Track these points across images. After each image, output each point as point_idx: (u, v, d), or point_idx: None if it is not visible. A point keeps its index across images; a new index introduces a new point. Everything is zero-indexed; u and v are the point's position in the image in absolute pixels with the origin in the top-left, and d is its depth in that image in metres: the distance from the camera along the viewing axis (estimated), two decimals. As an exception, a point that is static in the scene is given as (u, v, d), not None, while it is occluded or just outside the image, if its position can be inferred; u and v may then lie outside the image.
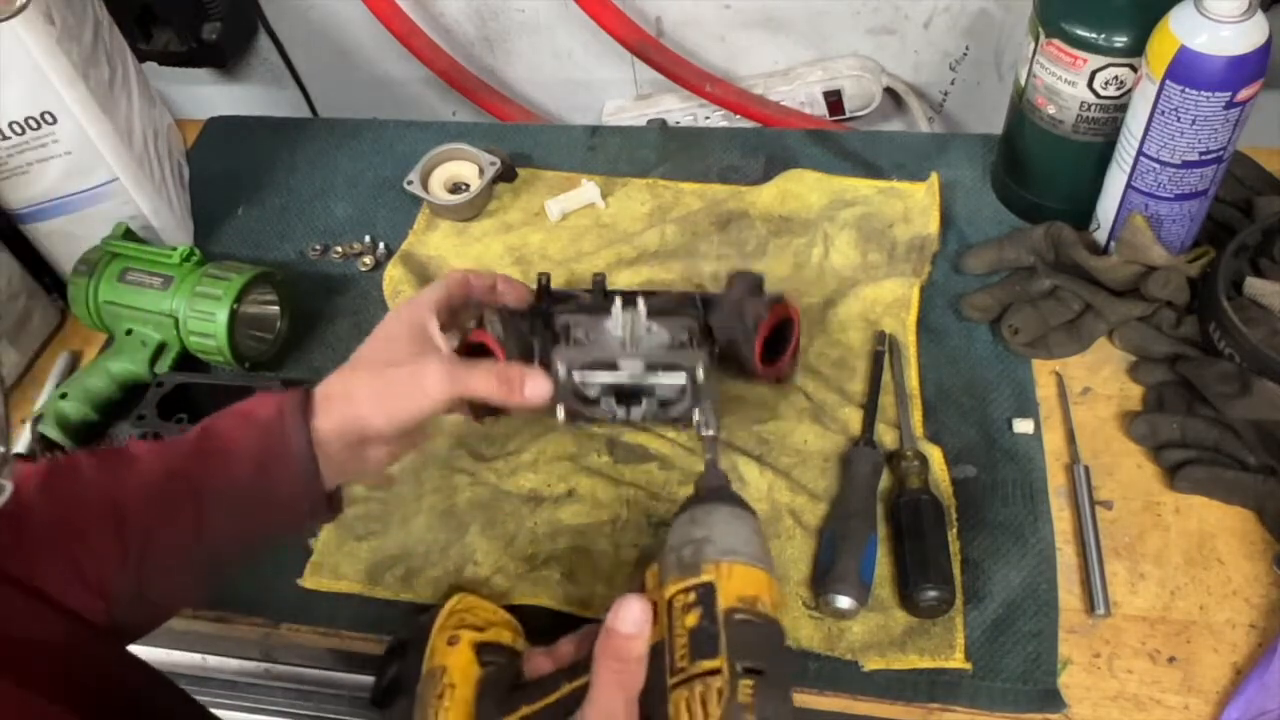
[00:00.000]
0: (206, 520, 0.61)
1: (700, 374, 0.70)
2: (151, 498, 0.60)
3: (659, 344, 0.74)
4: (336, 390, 0.65)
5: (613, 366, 0.72)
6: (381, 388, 0.64)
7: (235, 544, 0.64)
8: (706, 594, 0.51)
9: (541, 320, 0.76)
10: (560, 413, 0.71)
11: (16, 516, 0.57)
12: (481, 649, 0.62)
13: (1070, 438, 0.78)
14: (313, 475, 0.63)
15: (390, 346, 0.67)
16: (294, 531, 0.69)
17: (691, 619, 0.50)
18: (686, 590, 0.51)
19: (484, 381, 0.65)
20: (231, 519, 0.62)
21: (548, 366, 0.71)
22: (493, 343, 0.71)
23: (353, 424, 0.64)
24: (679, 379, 0.71)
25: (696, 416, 0.70)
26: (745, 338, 0.76)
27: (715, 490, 0.58)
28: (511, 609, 0.73)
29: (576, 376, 0.72)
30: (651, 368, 0.71)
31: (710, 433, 0.63)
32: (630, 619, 0.50)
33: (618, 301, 0.73)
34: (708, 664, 0.48)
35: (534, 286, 0.78)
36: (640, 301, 0.73)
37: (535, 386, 0.66)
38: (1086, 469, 0.76)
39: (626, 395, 0.73)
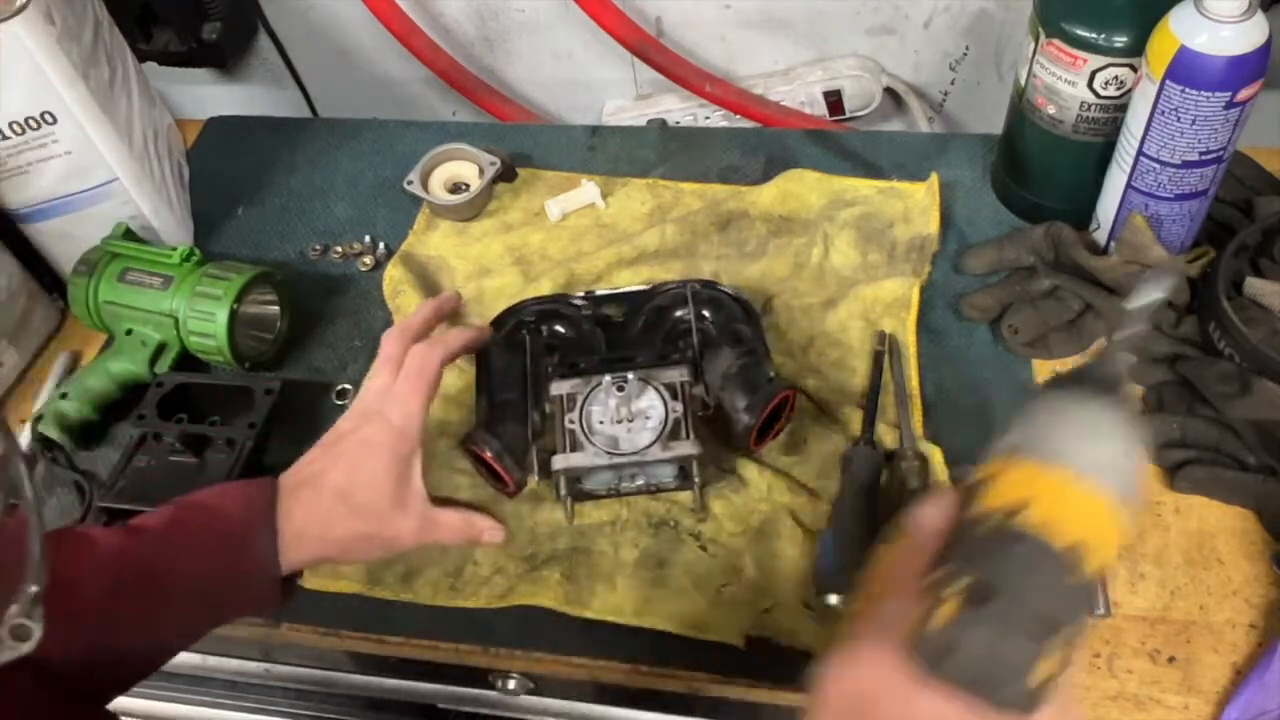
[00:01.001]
0: (160, 610, 0.62)
1: (695, 468, 0.73)
2: (109, 592, 0.60)
3: (653, 425, 0.74)
4: (310, 536, 0.65)
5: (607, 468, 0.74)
6: (355, 541, 0.68)
7: (185, 634, 0.65)
8: (978, 489, 0.43)
9: (529, 347, 0.80)
10: (568, 505, 0.75)
11: None
12: None
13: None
14: (272, 578, 0.65)
15: (373, 490, 0.67)
16: (239, 617, 0.70)
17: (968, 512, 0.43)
18: (973, 483, 0.44)
19: (451, 535, 0.72)
20: (186, 611, 0.63)
21: (539, 396, 0.77)
22: (495, 463, 0.73)
23: (321, 559, 0.67)
24: (672, 470, 0.74)
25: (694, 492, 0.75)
26: (739, 421, 0.75)
27: (1091, 378, 0.45)
28: (511, 610, 0.73)
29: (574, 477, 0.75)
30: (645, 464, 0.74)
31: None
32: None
33: (606, 378, 0.75)
34: (941, 569, 0.42)
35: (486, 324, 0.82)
36: (632, 378, 0.74)
37: (494, 534, 0.74)
38: None
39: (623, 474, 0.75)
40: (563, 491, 0.74)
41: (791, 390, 0.77)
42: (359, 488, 0.66)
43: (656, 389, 0.75)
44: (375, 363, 0.71)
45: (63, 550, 0.61)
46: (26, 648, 0.40)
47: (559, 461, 0.73)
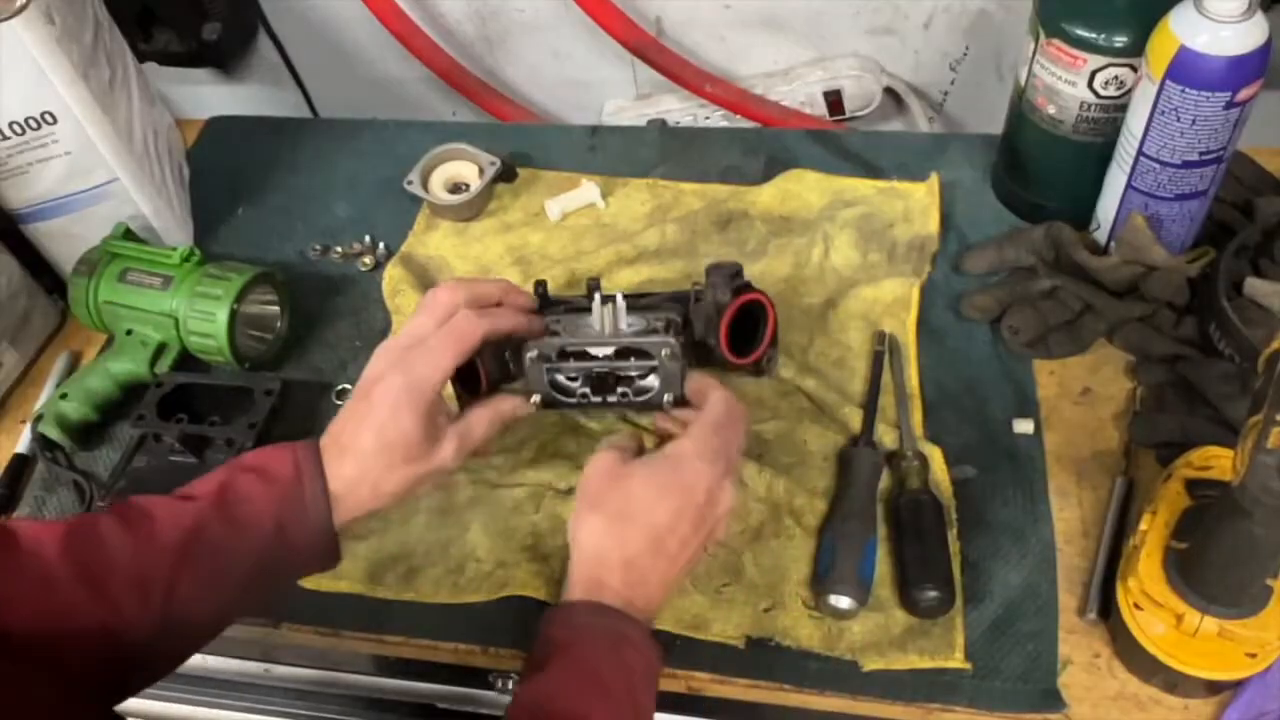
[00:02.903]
0: (224, 578, 0.62)
1: (665, 356, 0.71)
2: (175, 564, 0.61)
3: (632, 333, 0.74)
4: (363, 488, 0.66)
5: (583, 355, 0.72)
6: (405, 487, 0.67)
7: (246, 598, 0.65)
8: None
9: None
10: (535, 398, 0.73)
11: (44, 582, 0.58)
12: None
13: (1126, 451, 0.77)
14: (329, 537, 0.65)
15: (408, 441, 0.66)
16: (294, 580, 0.71)
17: None
18: None
19: (485, 430, 0.71)
20: (247, 576, 0.63)
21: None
22: (482, 371, 0.73)
23: (370, 506, 0.67)
24: (647, 363, 0.72)
25: (666, 400, 0.72)
26: (712, 328, 0.75)
27: None
28: (511, 609, 0.73)
29: (550, 368, 0.73)
30: (621, 354, 0.72)
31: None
32: None
33: (597, 296, 0.74)
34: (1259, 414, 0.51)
35: (533, 293, 0.78)
36: (619, 296, 0.74)
37: (521, 410, 0.73)
38: (1131, 482, 0.75)
39: (600, 383, 0.73)
40: (528, 363, 0.72)
41: (761, 295, 0.76)
42: (395, 444, 0.66)
43: (643, 315, 0.74)
44: (423, 300, 0.70)
45: (129, 526, 0.61)
46: None
47: (531, 348, 0.72)
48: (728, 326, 0.74)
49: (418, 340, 0.68)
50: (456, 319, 0.69)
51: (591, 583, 0.63)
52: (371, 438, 0.66)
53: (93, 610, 0.58)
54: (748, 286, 0.77)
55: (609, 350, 0.72)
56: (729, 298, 0.75)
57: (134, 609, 0.59)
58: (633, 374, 0.73)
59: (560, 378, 0.74)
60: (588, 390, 0.74)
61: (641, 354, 0.72)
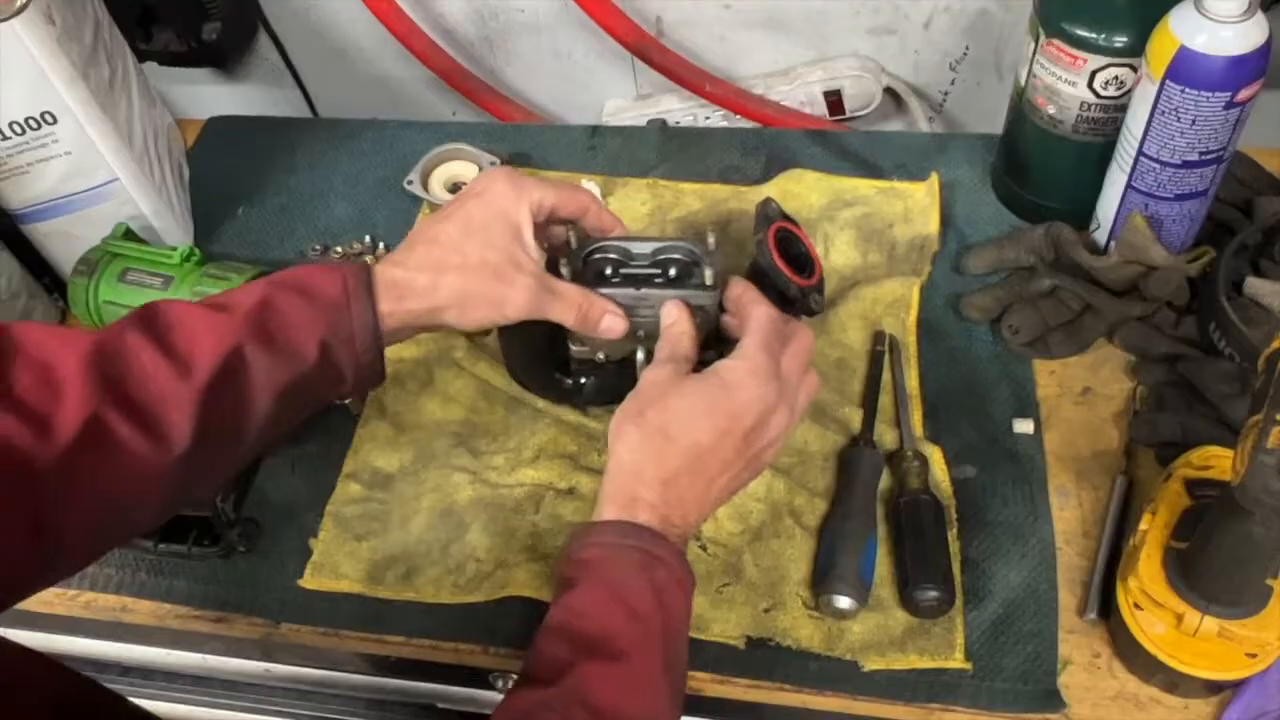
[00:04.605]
0: (260, 401, 0.61)
1: (711, 240, 0.70)
2: (214, 386, 0.59)
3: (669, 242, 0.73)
4: (420, 283, 0.64)
5: (626, 255, 0.72)
6: (468, 294, 0.65)
7: (283, 417, 0.64)
8: None
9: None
10: (564, 269, 0.70)
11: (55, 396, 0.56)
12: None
13: (1127, 451, 0.77)
14: (376, 358, 0.64)
15: (484, 241, 0.65)
16: (336, 400, 0.69)
17: None
18: None
19: (565, 312, 0.68)
20: (284, 398, 0.62)
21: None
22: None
23: (425, 319, 0.65)
24: (691, 249, 0.72)
25: (708, 275, 0.70)
26: (762, 250, 0.72)
27: None
28: (512, 609, 0.73)
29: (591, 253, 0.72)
30: (662, 250, 0.72)
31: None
32: None
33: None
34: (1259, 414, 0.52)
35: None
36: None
37: (611, 321, 0.69)
38: (1131, 482, 0.75)
39: (639, 279, 0.72)
40: (574, 245, 0.71)
41: (789, 223, 0.74)
42: (473, 239, 0.65)
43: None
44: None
45: (158, 340, 0.60)
46: None
47: (575, 234, 0.72)
48: (775, 236, 0.71)
49: (494, 175, 0.69)
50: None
51: (626, 499, 0.61)
52: (449, 228, 0.65)
53: (127, 432, 0.57)
54: (775, 217, 0.74)
55: (649, 249, 0.72)
56: (764, 231, 0.72)
57: (177, 395, 0.58)
58: (669, 253, 0.72)
59: (600, 265, 0.73)
60: (627, 287, 0.71)
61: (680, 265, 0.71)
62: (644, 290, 0.71)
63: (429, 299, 0.65)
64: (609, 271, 0.73)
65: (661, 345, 0.67)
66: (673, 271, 0.72)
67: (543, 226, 0.71)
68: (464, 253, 0.65)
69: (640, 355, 0.73)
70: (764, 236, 0.71)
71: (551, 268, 0.70)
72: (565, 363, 0.77)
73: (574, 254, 0.72)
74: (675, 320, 0.68)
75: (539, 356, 0.80)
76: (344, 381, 0.65)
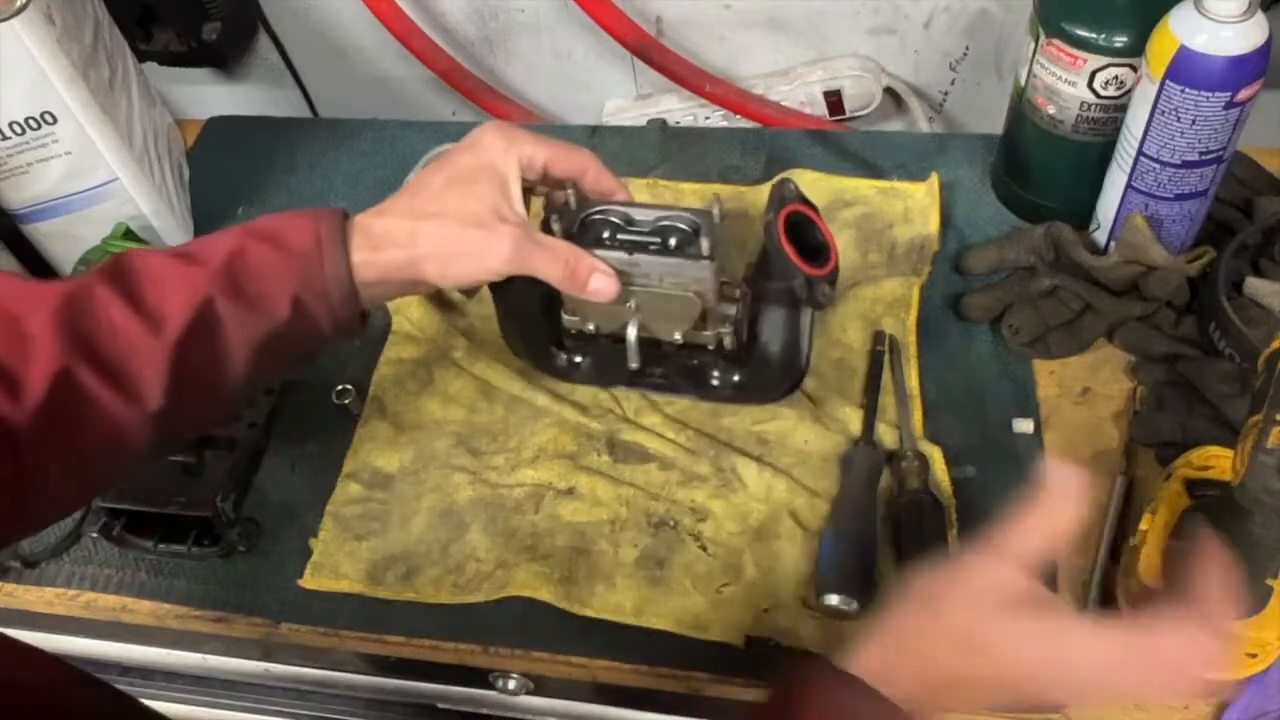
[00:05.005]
0: (235, 355, 0.60)
1: (716, 212, 0.67)
2: (185, 342, 0.58)
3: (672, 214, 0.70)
4: (398, 232, 0.62)
5: (627, 220, 0.69)
6: (448, 246, 0.62)
7: (260, 370, 0.62)
8: None
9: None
10: (555, 225, 0.68)
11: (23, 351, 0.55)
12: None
13: (1126, 451, 0.77)
14: (353, 310, 0.62)
15: (468, 195, 0.62)
16: (315, 351, 0.66)
17: None
18: None
19: (550, 266, 0.64)
20: (260, 352, 0.61)
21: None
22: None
23: (405, 271, 0.62)
24: (696, 220, 0.68)
25: (704, 245, 0.66)
26: (772, 240, 0.68)
27: None
28: (511, 609, 0.73)
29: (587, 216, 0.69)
30: (665, 219, 0.69)
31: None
32: None
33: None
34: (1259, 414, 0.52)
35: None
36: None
37: (600, 282, 0.65)
38: (1131, 482, 0.75)
39: (634, 245, 0.69)
40: (573, 204, 0.68)
41: (806, 206, 0.71)
42: (456, 189, 0.62)
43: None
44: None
45: (128, 294, 0.59)
46: None
47: (573, 193, 0.68)
48: (784, 220, 0.68)
49: (484, 130, 0.66)
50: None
51: (879, 675, 0.50)
52: (441, 179, 0.63)
53: (98, 388, 0.56)
54: (788, 199, 0.71)
55: (651, 216, 0.69)
56: (774, 215, 0.69)
57: (147, 352, 0.58)
58: (670, 221, 0.69)
59: (597, 229, 0.70)
60: (622, 252, 0.68)
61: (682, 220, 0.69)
62: (637, 256, 0.67)
63: (408, 249, 0.62)
64: (606, 235, 0.69)
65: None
66: (672, 241, 0.69)
67: (536, 185, 0.68)
68: (444, 201, 0.63)
69: (632, 330, 0.70)
70: (774, 218, 0.68)
71: (545, 228, 0.68)
72: (560, 338, 0.76)
73: (570, 214, 0.69)
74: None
75: (534, 326, 0.77)
76: (322, 334, 0.63)
